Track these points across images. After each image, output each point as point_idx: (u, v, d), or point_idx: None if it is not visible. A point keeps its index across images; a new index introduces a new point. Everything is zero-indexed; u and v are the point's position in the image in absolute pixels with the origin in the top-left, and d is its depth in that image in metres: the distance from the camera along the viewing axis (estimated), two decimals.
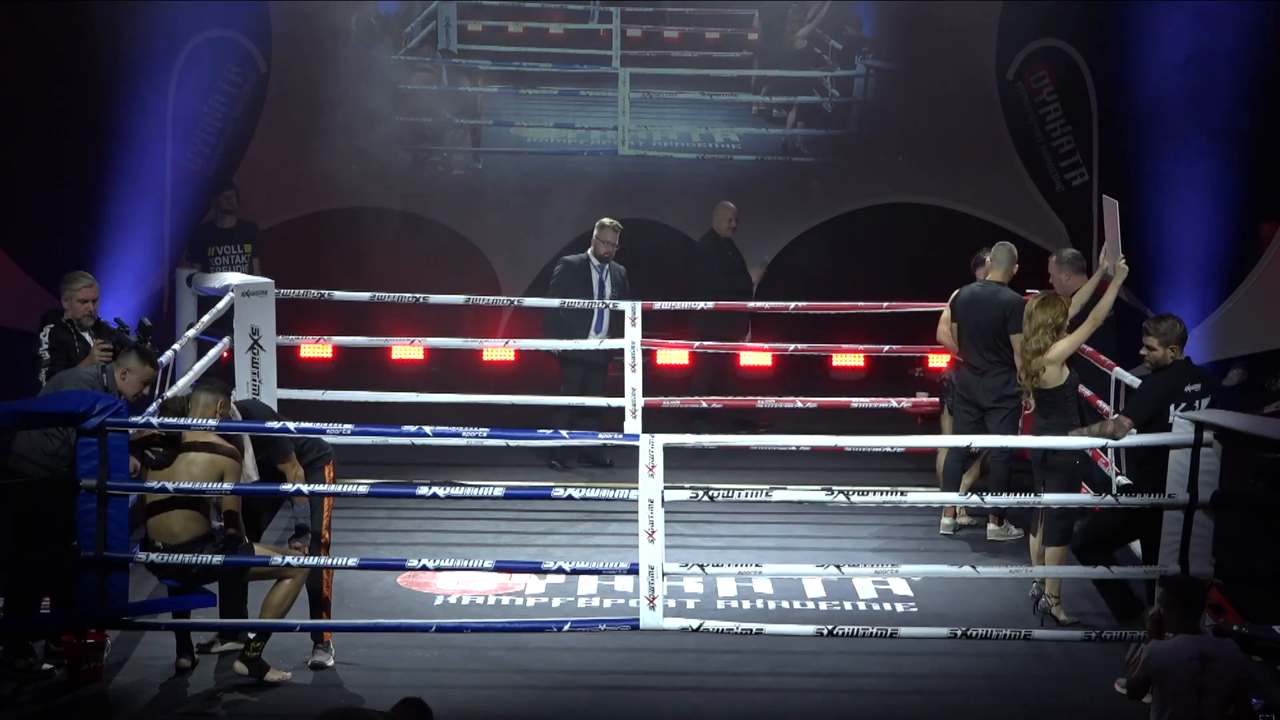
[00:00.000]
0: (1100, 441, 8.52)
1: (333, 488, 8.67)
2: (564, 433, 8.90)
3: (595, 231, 12.18)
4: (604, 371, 12.23)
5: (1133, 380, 9.64)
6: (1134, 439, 8.30)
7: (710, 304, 12.13)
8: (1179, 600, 6.82)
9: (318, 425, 8.54)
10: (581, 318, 11.97)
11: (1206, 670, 6.70)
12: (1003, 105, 14.82)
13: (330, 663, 8.46)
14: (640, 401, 11.44)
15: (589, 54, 15.02)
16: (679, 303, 11.92)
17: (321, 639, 8.52)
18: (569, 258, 12.26)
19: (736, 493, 8.76)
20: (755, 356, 13.28)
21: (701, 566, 8.65)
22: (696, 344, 12.04)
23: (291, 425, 8.41)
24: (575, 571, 8.74)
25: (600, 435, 9.02)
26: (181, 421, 8.25)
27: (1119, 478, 9.33)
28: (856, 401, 12.04)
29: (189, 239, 13.60)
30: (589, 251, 12.18)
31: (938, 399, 11.43)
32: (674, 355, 13.22)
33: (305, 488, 8.39)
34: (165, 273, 13.84)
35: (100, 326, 9.41)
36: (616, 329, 11.83)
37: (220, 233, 13.35)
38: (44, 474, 8.38)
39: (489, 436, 8.45)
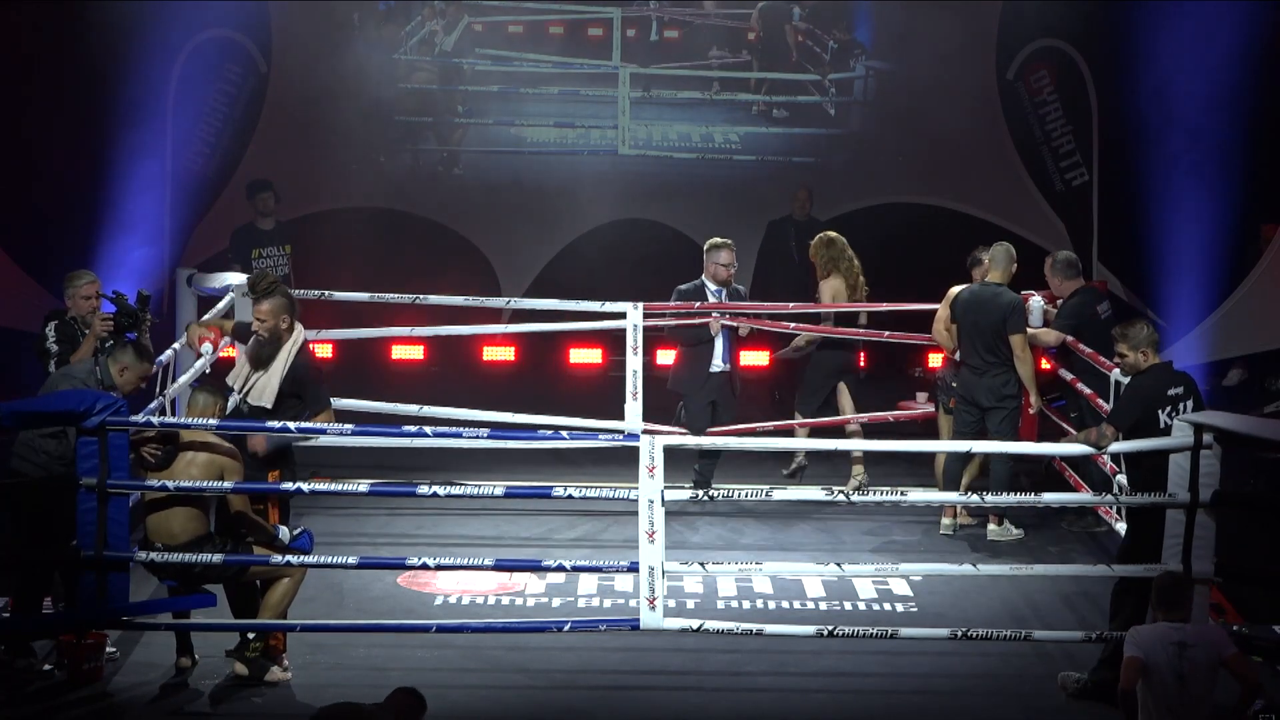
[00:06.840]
0: (1088, 449, 8.46)
1: (334, 486, 8.64)
2: (563, 432, 8.88)
3: (705, 254, 11.21)
4: (734, 400, 11.25)
5: None
6: (1131, 444, 8.28)
7: (697, 304, 11.94)
8: (1157, 597, 7.04)
9: (318, 425, 8.54)
10: (704, 347, 11.14)
11: (1184, 656, 6.79)
12: (1003, 105, 14.83)
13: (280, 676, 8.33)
14: (639, 387, 11.19)
15: (589, 54, 15.03)
16: (665, 303, 11.71)
17: (275, 651, 8.35)
18: (682, 287, 11.16)
19: (736, 493, 8.76)
20: (755, 356, 13.27)
21: (702, 564, 8.65)
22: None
23: (292, 425, 8.40)
24: (576, 569, 8.73)
25: (600, 435, 8.99)
26: (181, 421, 8.24)
27: (1118, 477, 9.33)
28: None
29: (231, 243, 13.36)
30: (703, 277, 11.17)
31: (933, 401, 11.43)
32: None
33: (308, 487, 8.39)
34: (165, 272, 13.82)
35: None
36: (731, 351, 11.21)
37: (261, 234, 13.21)
38: (44, 475, 8.36)
39: (489, 437, 8.45)
